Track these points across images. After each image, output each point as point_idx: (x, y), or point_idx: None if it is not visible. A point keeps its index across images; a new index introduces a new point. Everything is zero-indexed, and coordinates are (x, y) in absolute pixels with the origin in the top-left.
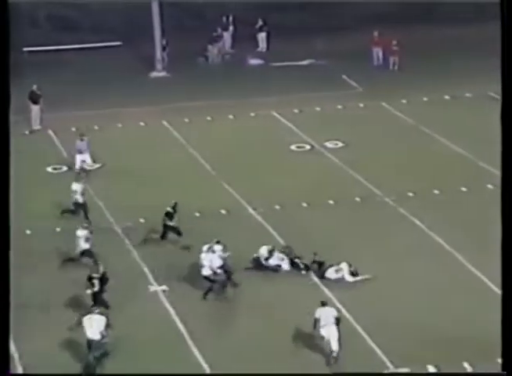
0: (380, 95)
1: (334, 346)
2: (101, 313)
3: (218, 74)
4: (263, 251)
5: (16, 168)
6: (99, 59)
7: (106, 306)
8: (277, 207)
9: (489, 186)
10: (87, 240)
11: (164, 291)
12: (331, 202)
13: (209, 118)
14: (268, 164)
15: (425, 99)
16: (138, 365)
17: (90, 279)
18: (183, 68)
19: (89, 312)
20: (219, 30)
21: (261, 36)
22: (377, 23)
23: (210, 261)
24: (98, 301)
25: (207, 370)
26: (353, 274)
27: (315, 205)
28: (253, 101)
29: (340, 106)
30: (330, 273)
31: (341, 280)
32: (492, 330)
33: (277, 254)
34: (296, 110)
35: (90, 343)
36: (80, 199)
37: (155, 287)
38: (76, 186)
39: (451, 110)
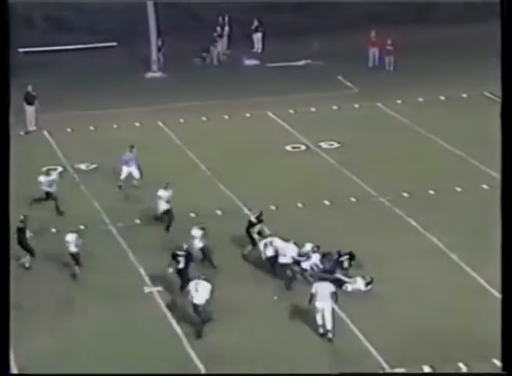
0: (375, 95)
1: (329, 323)
2: (207, 280)
3: (214, 75)
4: (308, 247)
5: (11, 170)
6: (94, 59)
7: (188, 282)
8: (272, 207)
9: (484, 186)
10: None
11: (159, 292)
12: (326, 202)
13: (204, 119)
14: (263, 164)
15: (420, 99)
16: (133, 367)
17: (174, 256)
18: (179, 69)
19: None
20: (218, 29)
21: (257, 36)
22: (373, 23)
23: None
24: (183, 277)
25: (203, 371)
26: (368, 284)
27: (310, 205)
28: (248, 101)
29: (335, 107)
30: (346, 287)
31: (357, 291)
32: (489, 330)
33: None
34: (291, 111)
35: (196, 308)
36: (165, 206)
37: (150, 288)
38: (162, 193)
39: (446, 111)
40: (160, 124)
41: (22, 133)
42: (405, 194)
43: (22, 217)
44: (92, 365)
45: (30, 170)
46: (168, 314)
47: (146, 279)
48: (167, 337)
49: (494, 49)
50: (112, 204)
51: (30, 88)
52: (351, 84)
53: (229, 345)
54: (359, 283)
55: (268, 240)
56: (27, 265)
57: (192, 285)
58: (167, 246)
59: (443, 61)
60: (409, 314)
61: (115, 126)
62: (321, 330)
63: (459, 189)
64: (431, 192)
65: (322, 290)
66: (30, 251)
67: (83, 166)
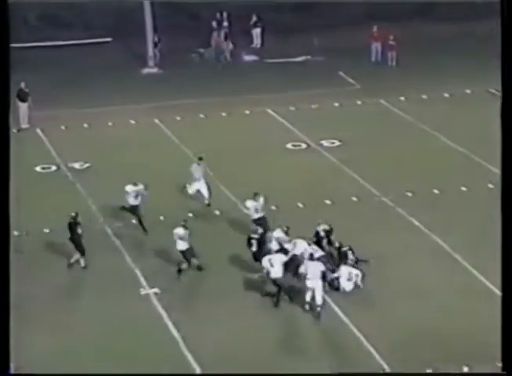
0: (378, 92)
1: (319, 300)
2: (278, 252)
3: (212, 71)
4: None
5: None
6: (88, 56)
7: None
8: (273, 207)
9: (490, 185)
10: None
11: (156, 294)
12: (328, 202)
13: (202, 116)
14: (262, 163)
15: (424, 96)
16: (130, 369)
17: (249, 239)
18: (176, 64)
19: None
20: (225, 23)
21: (256, 32)
22: (375, 18)
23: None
24: (258, 260)
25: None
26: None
27: (310, 205)
28: (247, 98)
29: (336, 104)
30: (345, 284)
31: (357, 287)
32: (491, 332)
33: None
34: (292, 108)
35: (274, 282)
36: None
37: (146, 290)
38: (129, 188)
39: (450, 108)
40: (156, 121)
41: (14, 131)
42: (409, 193)
43: (73, 213)
44: (92, 365)
45: (22, 168)
46: (165, 316)
47: (142, 280)
48: (164, 339)
49: (497, 45)
50: (107, 203)
51: (23, 84)
52: (353, 80)
53: (226, 345)
54: (358, 277)
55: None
56: (82, 263)
57: (265, 261)
58: (163, 247)
59: (446, 57)
60: (411, 315)
61: (110, 124)
62: (307, 307)
63: (464, 188)
64: (436, 191)
65: (313, 269)
66: (80, 248)
67: (77, 165)
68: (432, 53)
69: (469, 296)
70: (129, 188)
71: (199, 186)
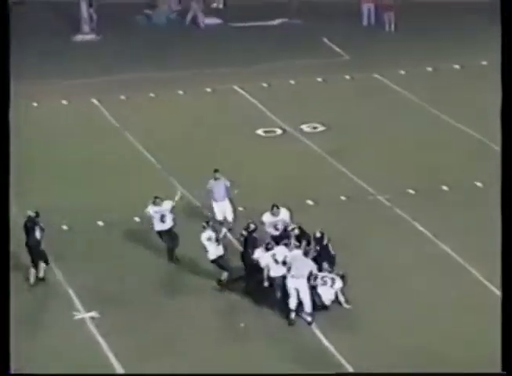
0: (371, 64)
1: (308, 307)
2: (286, 244)
3: (163, 38)
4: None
5: None
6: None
7: None
8: (240, 208)
9: None
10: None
11: (92, 319)
12: (310, 202)
13: (152, 95)
14: (228, 153)
15: (429, 68)
16: None
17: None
18: (117, 30)
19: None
20: None
21: None
22: None
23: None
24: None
25: None
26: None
27: (288, 206)
28: (208, 72)
29: (320, 79)
30: (326, 294)
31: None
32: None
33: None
34: (264, 84)
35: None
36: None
37: (82, 314)
38: None
39: (462, 83)
40: (94, 101)
41: None
42: (410, 191)
43: (31, 213)
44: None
45: None
46: (105, 345)
47: (77, 302)
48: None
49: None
50: (32, 205)
51: None
52: (340, 49)
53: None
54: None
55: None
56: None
57: (268, 257)
58: (103, 258)
59: (458, 21)
60: (412, 334)
61: (35, 104)
62: (292, 316)
63: (479, 184)
64: (444, 188)
65: (299, 265)
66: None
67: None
68: (441, 15)
69: (483, 314)
70: (150, 209)
71: (222, 207)
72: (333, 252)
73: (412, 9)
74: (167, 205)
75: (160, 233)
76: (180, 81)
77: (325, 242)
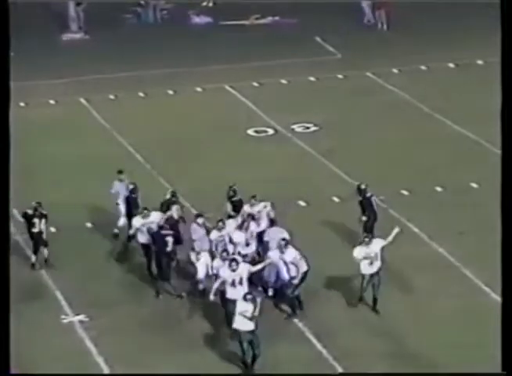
0: (364, 63)
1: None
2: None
3: (152, 36)
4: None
5: None
6: None
7: None
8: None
9: None
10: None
11: (81, 322)
12: (302, 203)
13: (141, 94)
14: (218, 153)
15: (423, 67)
16: None
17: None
18: (105, 28)
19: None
20: None
21: None
22: None
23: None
24: None
25: None
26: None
27: (280, 208)
28: (198, 71)
29: (312, 78)
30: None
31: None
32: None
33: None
34: (255, 83)
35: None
36: None
37: (70, 318)
38: None
39: (457, 82)
40: (82, 101)
41: None
42: (405, 192)
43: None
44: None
45: None
46: (94, 350)
47: (65, 305)
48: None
49: None
50: (22, 205)
51: None
52: (333, 47)
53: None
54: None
55: None
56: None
57: (274, 253)
58: (90, 259)
59: (453, 17)
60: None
61: (22, 104)
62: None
63: (475, 185)
64: (439, 189)
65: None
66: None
67: None
68: (435, 11)
69: (484, 321)
70: (137, 221)
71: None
72: (375, 207)
73: (406, 7)
74: (154, 217)
75: (144, 245)
76: (170, 80)
77: (368, 194)
